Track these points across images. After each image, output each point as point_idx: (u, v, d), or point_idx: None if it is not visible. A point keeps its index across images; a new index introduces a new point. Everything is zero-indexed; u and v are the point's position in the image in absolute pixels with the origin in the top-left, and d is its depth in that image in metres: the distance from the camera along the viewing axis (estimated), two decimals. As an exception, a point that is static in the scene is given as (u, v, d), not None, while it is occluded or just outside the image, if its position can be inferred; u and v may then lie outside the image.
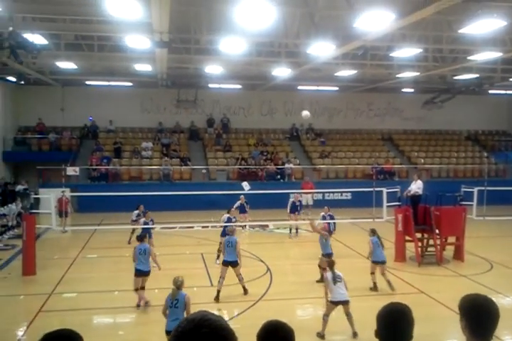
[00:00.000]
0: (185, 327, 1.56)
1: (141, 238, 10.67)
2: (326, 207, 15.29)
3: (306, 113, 16.31)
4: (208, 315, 1.61)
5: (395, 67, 21.55)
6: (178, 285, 7.45)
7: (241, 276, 11.08)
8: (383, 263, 11.46)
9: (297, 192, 19.24)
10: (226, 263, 11.01)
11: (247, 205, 17.61)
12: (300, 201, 18.03)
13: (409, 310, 2.73)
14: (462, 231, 14.29)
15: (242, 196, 17.36)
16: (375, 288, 11.44)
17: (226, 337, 1.58)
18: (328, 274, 8.84)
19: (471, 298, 2.77)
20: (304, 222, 16.42)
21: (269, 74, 23.01)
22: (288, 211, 17.86)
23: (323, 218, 14.84)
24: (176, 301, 7.30)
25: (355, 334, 8.55)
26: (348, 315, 8.66)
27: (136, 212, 15.91)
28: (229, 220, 14.26)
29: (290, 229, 18.03)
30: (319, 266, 11.90)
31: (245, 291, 11.11)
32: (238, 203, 17.37)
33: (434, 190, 14.90)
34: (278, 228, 18.82)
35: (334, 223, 15.38)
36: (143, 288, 10.12)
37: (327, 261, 9.43)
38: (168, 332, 7.22)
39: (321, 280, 10.90)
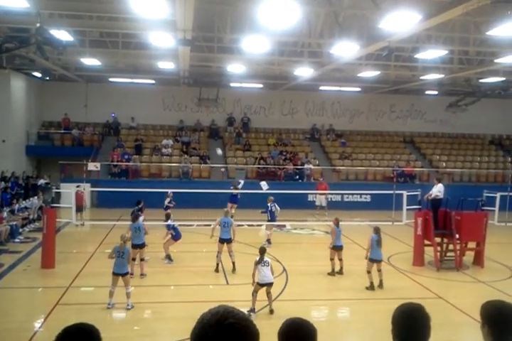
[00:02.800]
0: (211, 319, 1.64)
1: (135, 217, 12.52)
2: (270, 197, 16.32)
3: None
4: (230, 308, 1.70)
5: (420, 68, 21.30)
6: (125, 240, 9.87)
7: (232, 253, 12.86)
8: (380, 261, 11.72)
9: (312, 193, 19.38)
10: (222, 241, 12.81)
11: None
12: (238, 194, 18.74)
13: (424, 308, 2.67)
14: (483, 237, 14.04)
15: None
16: (371, 287, 11.52)
17: (249, 327, 1.66)
18: (258, 258, 9.77)
19: (496, 304, 2.70)
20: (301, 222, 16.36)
21: (291, 74, 22.95)
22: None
23: (268, 207, 16.08)
24: (122, 253, 9.64)
25: (271, 311, 9.68)
26: (269, 294, 9.74)
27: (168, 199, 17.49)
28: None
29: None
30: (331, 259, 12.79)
31: (234, 267, 12.66)
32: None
33: (455, 195, 14.69)
34: (295, 228, 18.76)
35: (276, 211, 16.22)
36: (136, 259, 12.05)
37: (260, 247, 10.32)
38: (115, 273, 9.71)
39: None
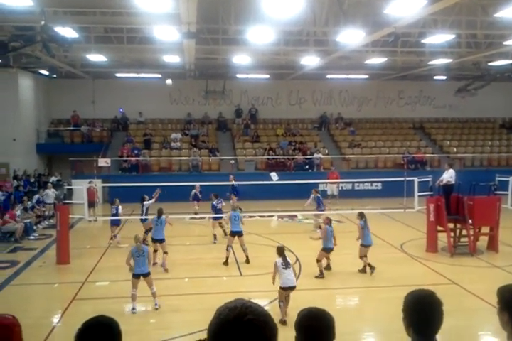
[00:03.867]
0: (229, 314, 1.56)
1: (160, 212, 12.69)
2: (316, 189, 17.01)
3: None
4: (248, 302, 1.61)
5: (427, 53, 21.05)
6: (141, 240, 9.98)
7: (245, 247, 12.94)
8: (370, 246, 11.95)
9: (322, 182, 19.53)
10: (233, 234, 12.92)
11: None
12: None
13: (435, 294, 2.64)
14: (496, 222, 13.94)
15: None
16: (364, 269, 11.85)
17: (268, 322, 1.58)
18: (278, 260, 8.92)
19: None
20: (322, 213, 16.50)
21: (297, 64, 22.80)
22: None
23: (314, 199, 16.55)
24: (142, 252, 9.54)
25: (284, 322, 8.24)
26: (287, 297, 8.89)
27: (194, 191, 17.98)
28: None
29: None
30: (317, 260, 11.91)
31: (248, 260, 12.81)
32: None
33: (467, 180, 14.58)
34: (307, 218, 18.74)
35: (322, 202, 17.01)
36: (157, 251, 12.53)
37: (277, 246, 9.55)
38: (135, 275, 9.50)
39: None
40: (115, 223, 15.41)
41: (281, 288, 8.85)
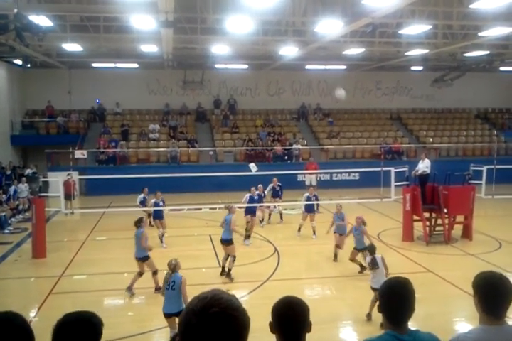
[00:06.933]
0: (196, 305, 1.52)
1: (137, 222, 10.09)
2: (311, 188, 15.92)
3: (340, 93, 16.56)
4: (220, 294, 1.56)
5: (404, 44, 21.17)
6: (172, 268, 7.38)
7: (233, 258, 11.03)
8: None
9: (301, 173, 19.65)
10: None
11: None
12: (279, 186, 17.09)
13: (409, 282, 2.76)
14: (470, 210, 14.22)
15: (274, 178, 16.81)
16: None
17: (236, 317, 1.53)
18: (368, 258, 8.80)
19: (486, 274, 2.84)
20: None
21: (276, 54, 22.73)
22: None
23: (308, 199, 14.95)
24: (172, 283, 7.24)
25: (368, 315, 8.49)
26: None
27: (142, 195, 15.67)
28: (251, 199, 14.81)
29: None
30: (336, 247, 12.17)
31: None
32: (270, 186, 16.77)
33: (442, 169, 14.81)
34: (285, 209, 18.82)
35: (317, 203, 15.52)
36: (141, 274, 9.94)
37: (369, 245, 9.29)
38: (165, 314, 7.30)
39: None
40: (157, 216, 14.21)
41: (372, 288, 8.50)
